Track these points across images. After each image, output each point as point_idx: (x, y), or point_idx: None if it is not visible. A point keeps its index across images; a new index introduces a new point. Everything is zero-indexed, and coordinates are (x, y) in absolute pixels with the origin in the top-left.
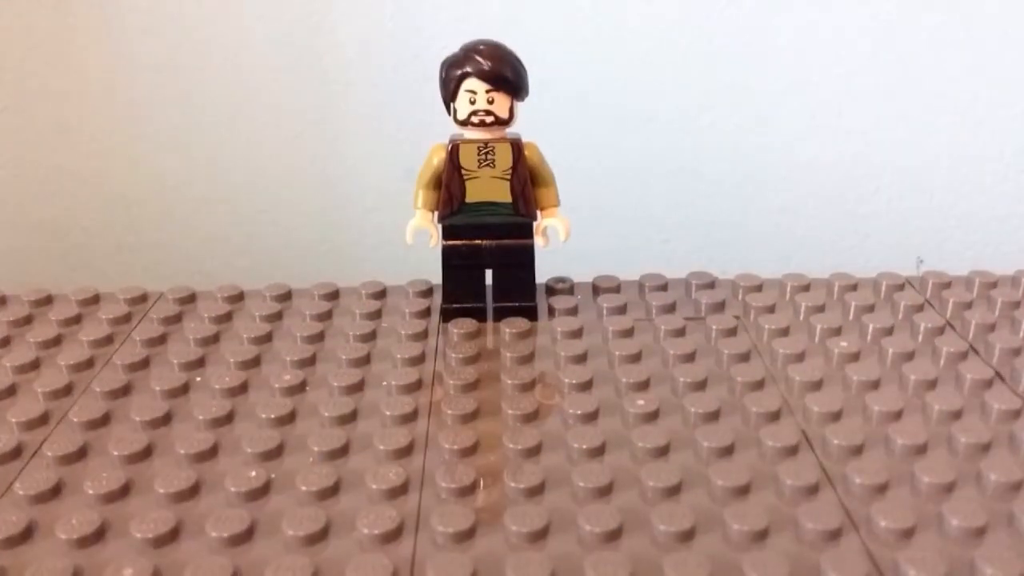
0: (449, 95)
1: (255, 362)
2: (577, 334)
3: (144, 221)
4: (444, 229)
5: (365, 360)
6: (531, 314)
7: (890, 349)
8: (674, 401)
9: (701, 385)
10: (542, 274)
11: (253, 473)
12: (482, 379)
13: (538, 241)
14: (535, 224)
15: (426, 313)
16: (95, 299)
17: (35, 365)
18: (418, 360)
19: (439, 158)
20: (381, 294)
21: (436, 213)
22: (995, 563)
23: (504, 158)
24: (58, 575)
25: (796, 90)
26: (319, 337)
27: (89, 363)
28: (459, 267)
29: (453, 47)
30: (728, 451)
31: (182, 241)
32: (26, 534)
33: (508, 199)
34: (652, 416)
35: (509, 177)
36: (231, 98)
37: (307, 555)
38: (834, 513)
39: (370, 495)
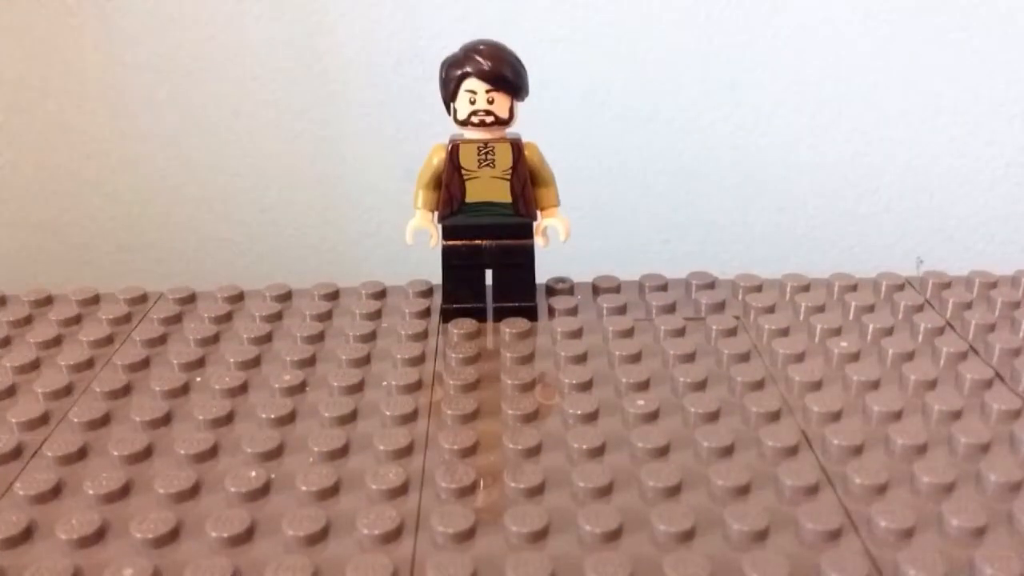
0: (449, 95)
1: (255, 362)
2: (577, 334)
3: (144, 221)
4: (444, 229)
5: (365, 360)
6: (531, 314)
7: (890, 349)
8: (674, 401)
9: (701, 385)
10: (542, 274)
11: (253, 473)
12: (482, 379)
13: (538, 241)
14: (535, 224)
15: (426, 313)
16: (95, 299)
17: (35, 365)
18: (418, 360)
19: (439, 158)
20: (381, 294)
21: (436, 213)
22: (995, 563)
23: (504, 158)
24: (58, 575)
25: (796, 90)
26: (319, 337)
27: (89, 363)
28: (459, 267)
29: (453, 47)
30: (728, 451)
31: (182, 241)
32: (26, 534)
33: (508, 199)
34: (652, 416)
35: (509, 177)
36: (231, 98)
37: (307, 555)
38: (834, 513)
39: (370, 495)
